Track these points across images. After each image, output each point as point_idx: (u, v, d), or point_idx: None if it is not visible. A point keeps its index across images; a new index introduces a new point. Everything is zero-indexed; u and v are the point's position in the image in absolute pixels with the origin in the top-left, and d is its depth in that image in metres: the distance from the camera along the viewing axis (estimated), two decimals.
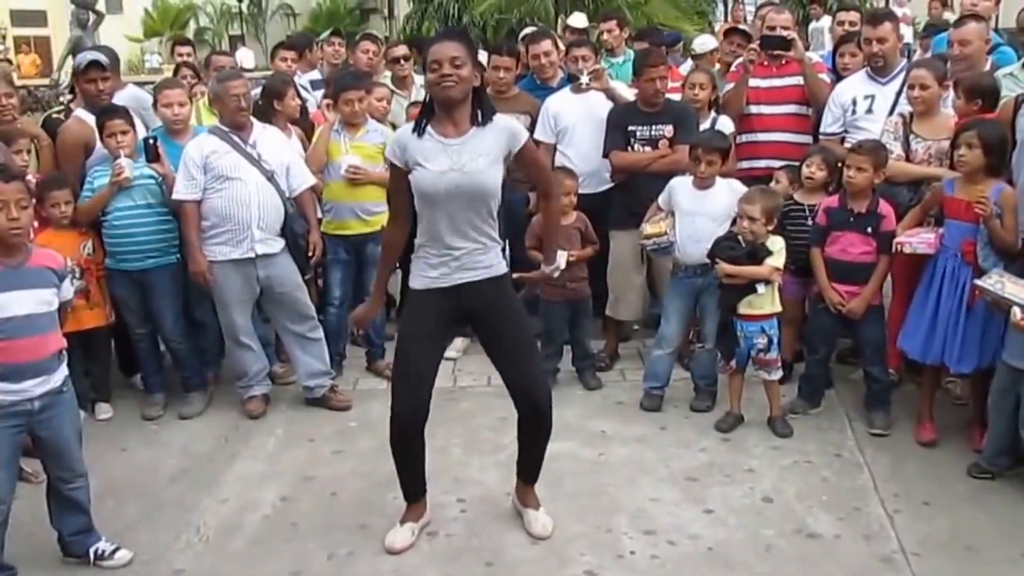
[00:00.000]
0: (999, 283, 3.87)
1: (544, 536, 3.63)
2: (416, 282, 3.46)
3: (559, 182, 3.77)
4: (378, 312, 3.75)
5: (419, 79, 6.73)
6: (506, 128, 3.37)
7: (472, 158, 3.27)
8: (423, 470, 3.62)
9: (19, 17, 28.40)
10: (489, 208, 3.36)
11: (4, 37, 25.77)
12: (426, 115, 3.34)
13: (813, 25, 8.70)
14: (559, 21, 13.62)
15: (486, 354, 3.56)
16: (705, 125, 5.28)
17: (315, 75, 7.02)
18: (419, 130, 3.32)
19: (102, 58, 5.22)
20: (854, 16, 6.37)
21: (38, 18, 28.96)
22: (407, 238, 3.56)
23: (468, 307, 3.44)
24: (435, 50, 3.21)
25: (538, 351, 3.65)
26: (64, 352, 3.40)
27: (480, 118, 3.32)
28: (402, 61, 6.53)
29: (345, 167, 5.15)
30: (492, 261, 3.43)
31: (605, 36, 7.04)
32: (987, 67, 4.97)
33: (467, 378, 5.28)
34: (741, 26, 7.37)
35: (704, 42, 7.44)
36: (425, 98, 3.37)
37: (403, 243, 3.57)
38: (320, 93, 6.32)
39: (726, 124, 5.38)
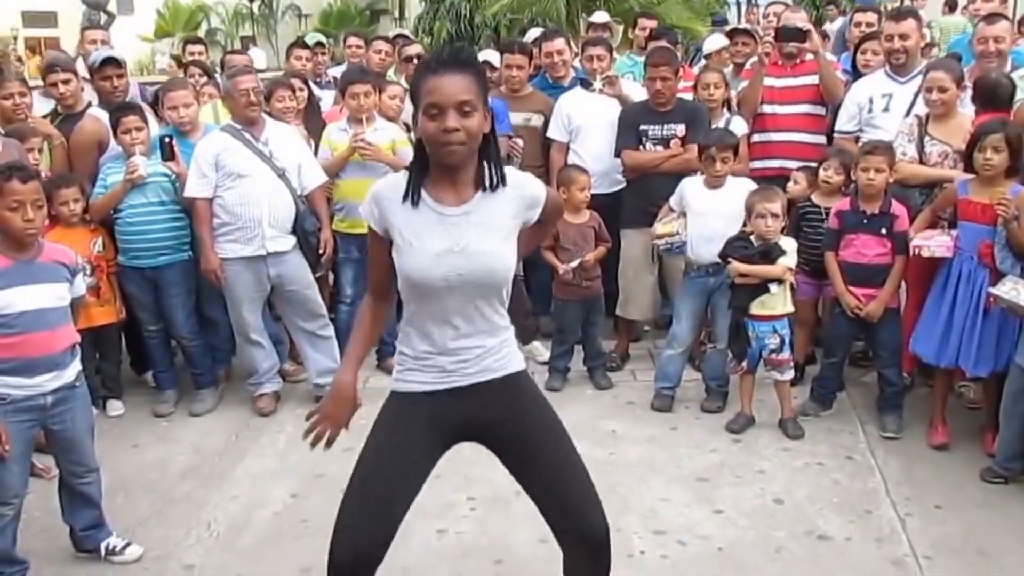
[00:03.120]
0: (1014, 290, 3.86)
1: None
2: (400, 384, 2.56)
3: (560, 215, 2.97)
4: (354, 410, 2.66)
5: None
6: (522, 192, 2.48)
7: (478, 235, 2.39)
8: None
9: (30, 18, 28.52)
10: (501, 297, 2.50)
11: (15, 38, 25.84)
12: (415, 175, 2.41)
13: (827, 27, 8.67)
14: (580, 21, 13.60)
15: (514, 477, 2.64)
16: (719, 125, 5.27)
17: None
18: (410, 197, 2.39)
19: (118, 55, 5.26)
20: (871, 17, 6.33)
21: (49, 19, 29.05)
22: (390, 310, 2.76)
23: (477, 416, 2.54)
24: (434, 88, 2.26)
25: (585, 467, 2.59)
26: (77, 347, 3.41)
27: (489, 180, 2.41)
28: (415, 60, 6.53)
29: (353, 137, 5.09)
30: (505, 357, 2.55)
31: (640, 34, 7.04)
32: (1008, 66, 4.94)
33: None
34: (744, 25, 7.36)
35: (713, 41, 7.43)
36: (416, 148, 2.46)
37: (382, 323, 2.71)
38: (330, 93, 6.34)
39: (740, 125, 5.37)
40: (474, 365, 2.50)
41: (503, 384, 2.54)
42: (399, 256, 2.43)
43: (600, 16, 7.74)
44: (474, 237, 2.39)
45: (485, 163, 2.41)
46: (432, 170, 2.41)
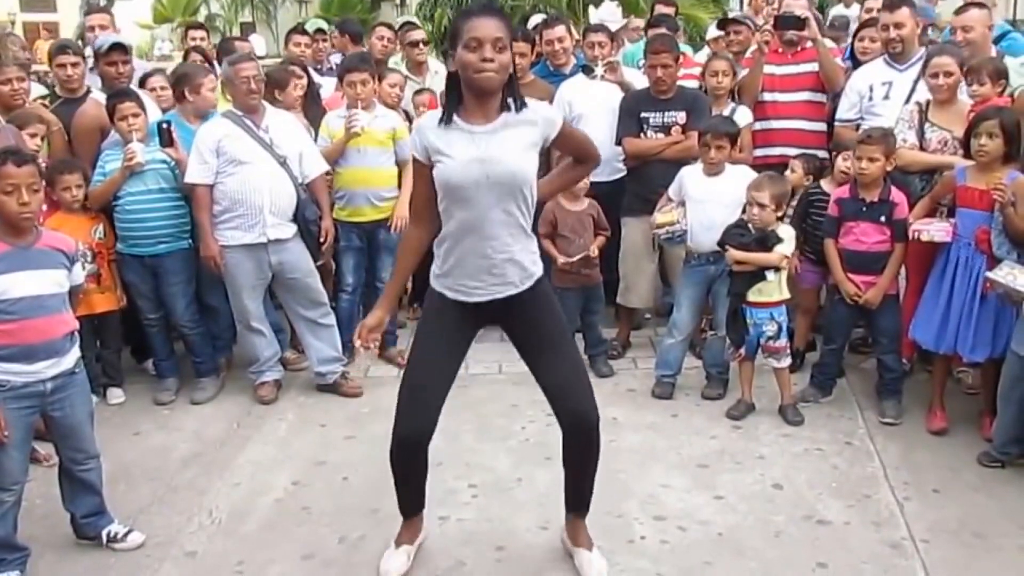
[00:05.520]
0: (1010, 275, 3.87)
1: None
2: (439, 283, 3.12)
3: (599, 151, 3.37)
4: (387, 319, 3.31)
5: (434, 64, 6.74)
6: (540, 116, 2.99)
7: (502, 145, 2.90)
8: (424, 486, 3.36)
9: (28, 2, 28.43)
10: (524, 201, 2.97)
11: (13, 23, 25.77)
12: (452, 102, 2.95)
13: (836, 12, 8.58)
14: (581, 7, 13.52)
15: (522, 359, 3.21)
16: (725, 114, 5.25)
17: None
18: (445, 119, 2.94)
19: (125, 41, 5.26)
20: (878, 2, 6.30)
21: (47, 3, 28.99)
22: (429, 242, 3.16)
23: (500, 312, 3.11)
24: (475, 26, 2.79)
25: (580, 356, 3.23)
26: (76, 334, 3.41)
27: (513, 105, 2.93)
28: (421, 45, 6.52)
29: (347, 119, 5.11)
30: (528, 265, 3.06)
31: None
32: (993, 54, 4.94)
33: (478, 366, 5.28)
34: (732, 14, 7.36)
35: (713, 29, 7.42)
36: (449, 81, 2.97)
37: (424, 247, 3.17)
38: (331, 80, 6.32)
39: (744, 114, 5.36)
40: (502, 272, 3.01)
41: (525, 292, 3.06)
42: (438, 168, 2.93)
43: (608, 11, 7.64)
44: (498, 147, 2.90)
45: (508, 95, 2.92)
46: (465, 99, 2.92)
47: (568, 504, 3.41)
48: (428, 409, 3.12)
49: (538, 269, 3.11)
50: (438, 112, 3.00)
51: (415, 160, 3.05)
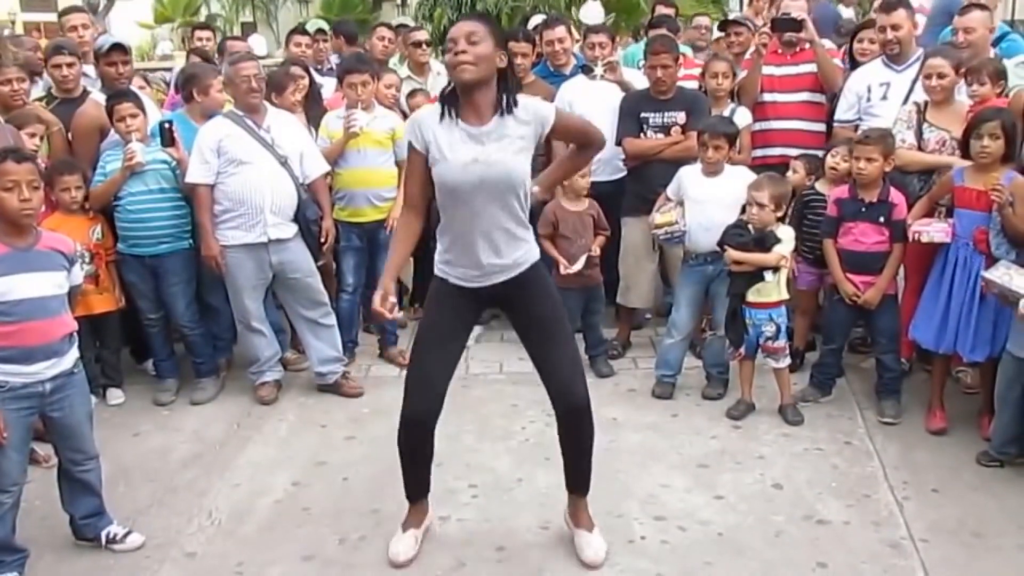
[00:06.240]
0: (1007, 275, 3.87)
1: (596, 564, 3.38)
2: (441, 269, 3.27)
3: (601, 133, 3.42)
4: (392, 298, 3.26)
5: (436, 65, 6.75)
6: (533, 112, 3.11)
7: (497, 147, 3.04)
8: (429, 470, 3.48)
9: (28, 2, 28.38)
10: (518, 197, 3.12)
11: (13, 23, 25.72)
12: (450, 102, 3.08)
13: (843, 13, 8.54)
14: (573, 9, 13.53)
15: (521, 343, 3.35)
16: (725, 115, 5.24)
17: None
18: (444, 116, 3.09)
19: (125, 41, 5.26)
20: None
21: (47, 3, 28.93)
22: (422, 226, 3.32)
23: (500, 297, 3.28)
24: (452, 30, 3.01)
25: (575, 342, 3.36)
26: (75, 335, 3.40)
27: (505, 104, 3.06)
28: (424, 46, 6.52)
29: (345, 119, 5.12)
30: (524, 253, 3.22)
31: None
32: (992, 56, 4.94)
33: (479, 365, 5.30)
34: (733, 16, 7.37)
35: (713, 31, 7.43)
36: (447, 85, 3.14)
37: (417, 232, 3.32)
38: (332, 80, 6.33)
39: (744, 115, 5.36)
40: (499, 260, 3.15)
41: (521, 276, 3.21)
42: (436, 167, 3.09)
43: (593, 14, 7.61)
44: (494, 149, 3.04)
45: (503, 92, 3.06)
46: (460, 98, 3.06)
47: (568, 484, 3.50)
48: (433, 391, 3.26)
49: (534, 254, 3.26)
50: (436, 108, 3.14)
51: (411, 147, 3.16)
